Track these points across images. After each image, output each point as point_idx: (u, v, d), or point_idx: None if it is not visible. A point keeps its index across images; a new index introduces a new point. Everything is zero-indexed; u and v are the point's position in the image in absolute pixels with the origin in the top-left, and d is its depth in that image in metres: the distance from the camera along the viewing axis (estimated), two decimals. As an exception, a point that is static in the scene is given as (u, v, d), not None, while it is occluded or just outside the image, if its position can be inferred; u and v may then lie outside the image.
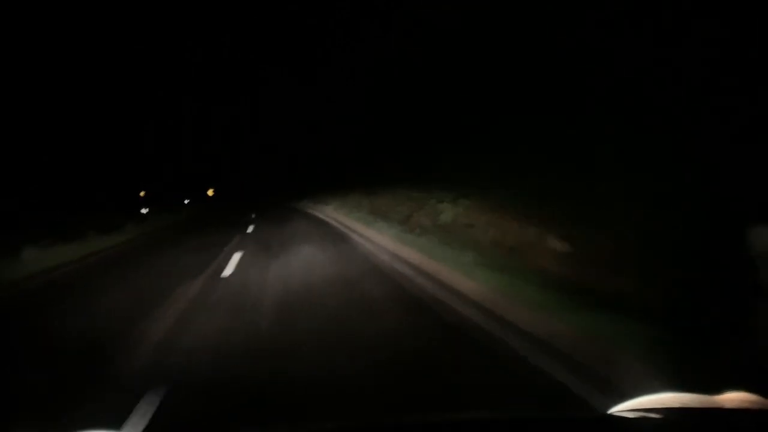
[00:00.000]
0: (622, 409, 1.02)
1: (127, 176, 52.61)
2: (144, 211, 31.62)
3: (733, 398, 0.94)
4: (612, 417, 1.02)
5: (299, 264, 7.48)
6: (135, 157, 55.38)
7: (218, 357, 3.53)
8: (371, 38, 18.51)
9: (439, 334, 3.71)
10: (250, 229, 15.52)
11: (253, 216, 22.21)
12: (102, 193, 37.56)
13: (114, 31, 47.85)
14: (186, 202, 44.82)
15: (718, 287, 4.04)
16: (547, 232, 5.76)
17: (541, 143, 7.96)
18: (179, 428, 2.65)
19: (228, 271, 7.34)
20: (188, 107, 56.60)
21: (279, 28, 33.52)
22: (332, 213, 19.24)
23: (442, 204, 9.67)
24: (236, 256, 8.73)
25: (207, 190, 52.43)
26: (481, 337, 3.55)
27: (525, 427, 1.06)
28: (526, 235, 6.18)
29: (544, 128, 8.01)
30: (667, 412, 0.96)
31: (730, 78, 4.88)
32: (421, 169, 13.35)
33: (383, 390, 2.73)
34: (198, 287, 6.24)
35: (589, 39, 6.99)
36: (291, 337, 3.83)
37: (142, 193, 50.36)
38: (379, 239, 9.69)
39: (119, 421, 2.60)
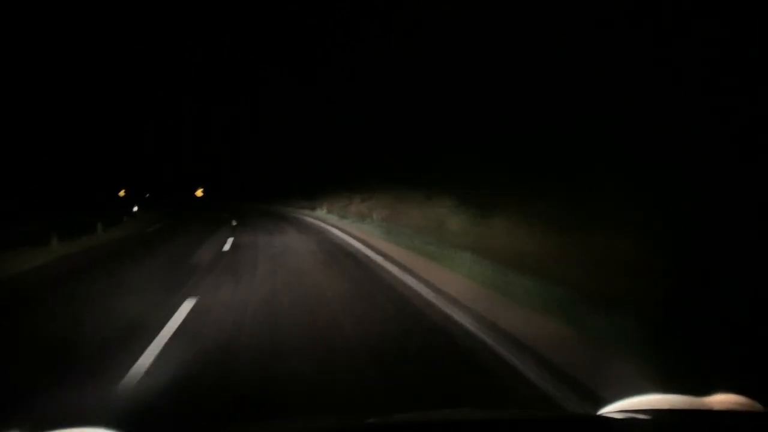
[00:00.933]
0: (612, 410, 1.02)
1: (127, 176, 52.72)
2: None
3: (722, 400, 0.94)
4: (601, 418, 1.01)
5: None
6: (135, 157, 55.52)
7: None
8: (371, 38, 18.50)
9: None
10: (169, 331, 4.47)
11: (226, 248, 10.73)
12: (102, 193, 37.63)
13: (114, 31, 47.92)
14: (135, 209, 28.47)
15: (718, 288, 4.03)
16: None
17: (540, 143, 7.95)
18: (179, 428, 2.65)
19: None
20: (188, 107, 56.64)
21: (279, 28, 33.54)
22: (387, 246, 9.89)
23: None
24: None
25: (196, 190, 51.55)
26: None
27: (515, 428, 1.05)
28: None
29: (544, 127, 8.00)
30: (656, 413, 0.95)
31: (730, 78, 4.86)
32: (421, 169, 13.34)
33: None
34: None
35: (589, 39, 6.98)
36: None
37: (121, 193, 48.78)
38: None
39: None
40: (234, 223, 19.04)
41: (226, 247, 11.18)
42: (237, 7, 41.21)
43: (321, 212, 21.95)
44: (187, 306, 5.48)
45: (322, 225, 16.69)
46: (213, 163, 54.66)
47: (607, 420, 1.00)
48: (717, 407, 0.92)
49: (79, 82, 39.30)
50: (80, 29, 38.70)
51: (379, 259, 8.77)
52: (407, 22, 14.73)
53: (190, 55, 52.52)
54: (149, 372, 3.48)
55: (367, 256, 9.20)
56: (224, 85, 49.97)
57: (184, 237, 14.59)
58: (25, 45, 31.08)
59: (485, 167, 9.58)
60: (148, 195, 55.76)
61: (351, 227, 14.67)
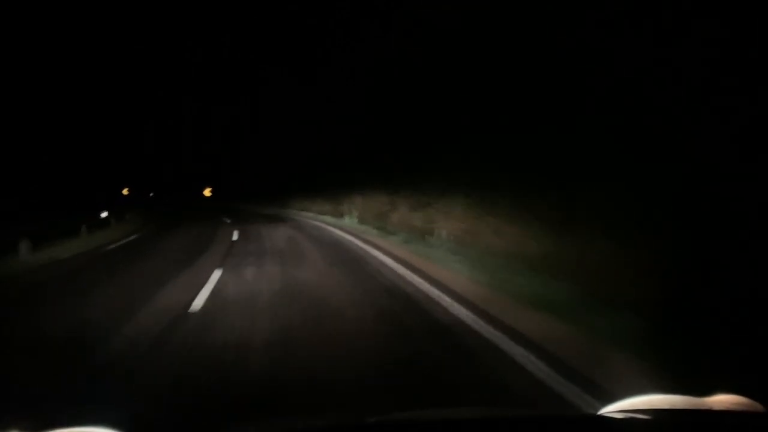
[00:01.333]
0: (612, 410, 1.02)
1: (128, 176, 52.76)
2: None
3: (722, 400, 0.94)
4: (602, 418, 1.01)
5: None
6: (136, 157, 55.56)
7: None
8: (371, 38, 18.47)
9: None
10: None
11: (197, 303, 6.01)
12: (102, 193, 37.63)
13: (114, 31, 47.92)
14: (104, 215, 21.07)
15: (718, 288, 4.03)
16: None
17: (539, 143, 7.95)
18: (179, 428, 2.66)
19: None
20: (188, 107, 56.57)
21: (279, 28, 33.48)
22: (524, 316, 4.95)
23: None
24: None
25: (203, 190, 51.75)
26: None
27: (515, 427, 1.05)
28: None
29: (543, 127, 8.00)
30: (657, 413, 0.95)
31: (730, 78, 4.86)
32: (421, 169, 13.34)
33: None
34: None
35: (589, 39, 6.98)
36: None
37: (125, 191, 49.07)
38: None
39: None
40: (234, 236, 14.83)
41: (199, 300, 6.30)
42: (237, 7, 41.18)
43: (350, 221, 17.41)
44: None
45: (360, 246, 11.50)
46: (213, 163, 54.63)
47: (607, 420, 1.00)
48: (717, 407, 0.92)
49: (79, 82, 39.31)
50: (80, 29, 38.71)
51: (549, 375, 3.47)
52: (407, 22, 14.71)
53: (190, 55, 52.51)
54: None
55: (519, 367, 3.75)
56: (224, 85, 49.89)
57: (147, 265, 10.18)
58: (25, 45, 31.07)
59: (481, 167, 9.55)
60: (152, 194, 55.96)
61: (408, 253, 9.68)
